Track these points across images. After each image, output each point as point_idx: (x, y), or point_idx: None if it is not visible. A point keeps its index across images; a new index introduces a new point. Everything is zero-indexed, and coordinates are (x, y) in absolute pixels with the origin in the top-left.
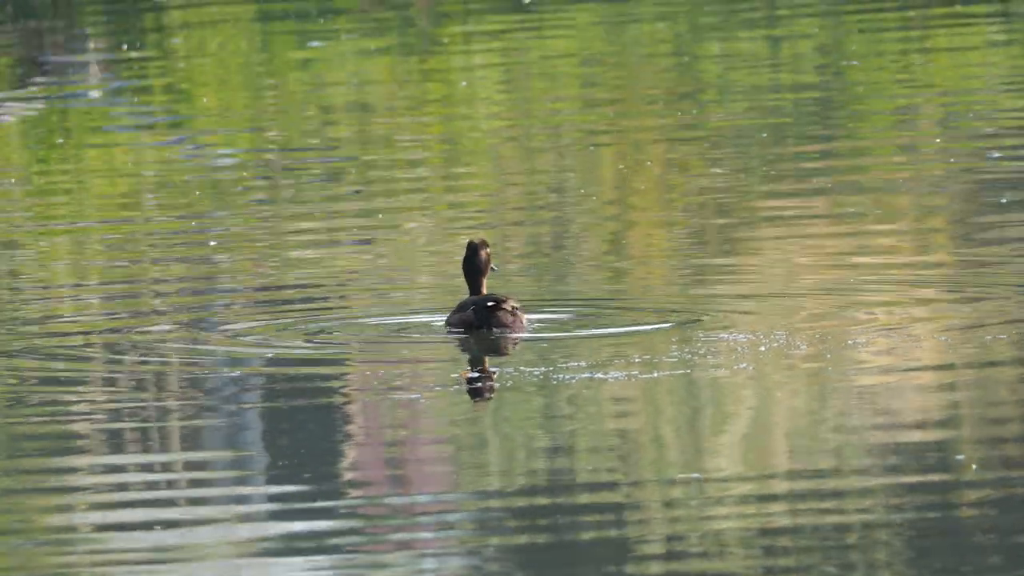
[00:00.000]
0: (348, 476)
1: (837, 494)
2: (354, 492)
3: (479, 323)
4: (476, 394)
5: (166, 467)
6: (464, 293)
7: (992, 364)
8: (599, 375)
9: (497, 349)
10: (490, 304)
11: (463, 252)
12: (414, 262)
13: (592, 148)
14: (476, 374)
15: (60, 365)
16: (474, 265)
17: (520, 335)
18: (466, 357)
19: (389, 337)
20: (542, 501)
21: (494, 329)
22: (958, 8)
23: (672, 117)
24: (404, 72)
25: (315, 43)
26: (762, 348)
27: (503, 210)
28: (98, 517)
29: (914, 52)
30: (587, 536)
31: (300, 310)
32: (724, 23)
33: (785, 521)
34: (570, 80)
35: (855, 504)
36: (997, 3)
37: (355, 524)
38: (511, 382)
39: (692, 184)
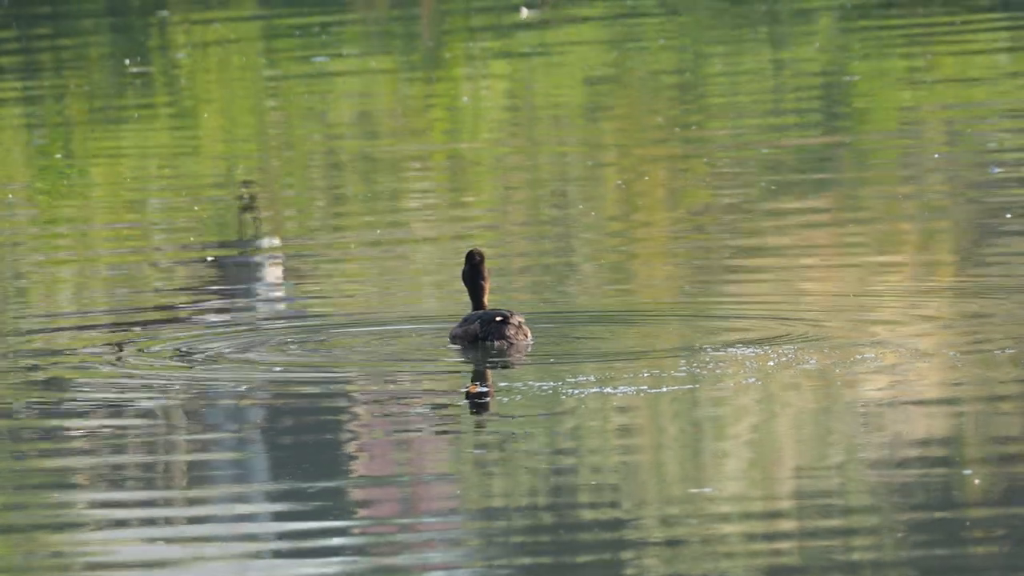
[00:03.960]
0: (352, 495)
1: (844, 514)
2: (358, 511)
3: (484, 336)
4: (483, 410)
5: (168, 488)
6: (467, 306)
7: (999, 380)
8: (607, 391)
9: (504, 363)
10: (498, 319)
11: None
12: (417, 277)
13: (591, 164)
14: (483, 389)
15: (61, 391)
16: (478, 274)
17: (522, 350)
18: (472, 372)
19: (393, 352)
20: (549, 523)
21: (496, 342)
22: (960, 20)
23: (673, 133)
24: (407, 88)
25: (320, 58)
26: (770, 363)
27: (505, 225)
28: (99, 549)
29: (917, 67)
30: (593, 559)
31: (304, 325)
32: (727, 38)
33: (791, 538)
34: (573, 96)
35: (862, 522)
36: (1000, 13)
37: (359, 545)
38: (519, 397)
39: (695, 200)
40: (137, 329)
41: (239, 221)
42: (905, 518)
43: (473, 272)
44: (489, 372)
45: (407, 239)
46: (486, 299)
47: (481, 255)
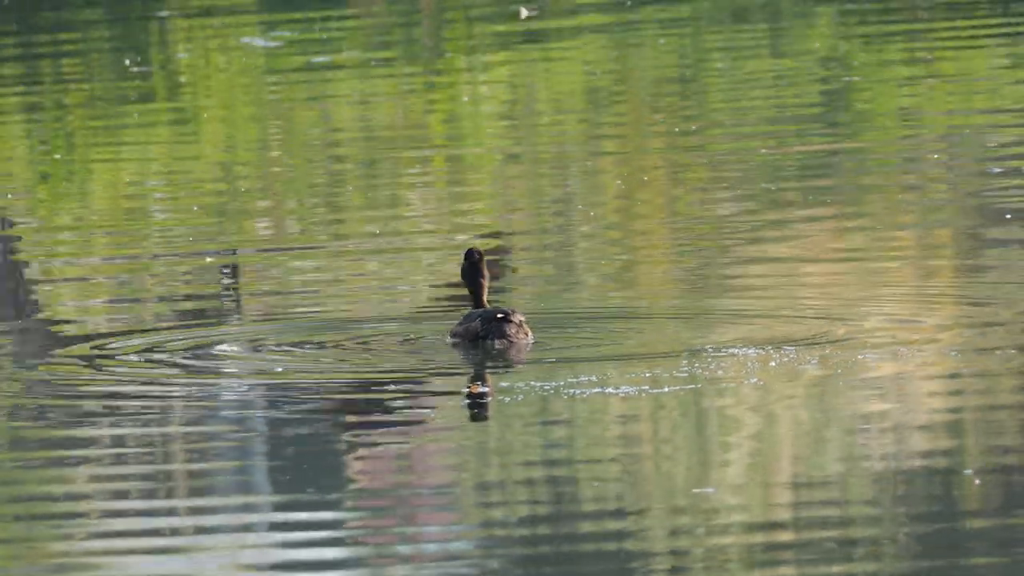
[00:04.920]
0: (351, 497)
1: (845, 514)
2: (358, 514)
3: (485, 335)
4: (483, 410)
5: (170, 491)
6: (468, 306)
7: (1001, 383)
8: (608, 391)
9: (505, 363)
10: (500, 316)
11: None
12: (418, 277)
13: (590, 164)
14: (485, 389)
15: (63, 390)
16: (478, 271)
17: (522, 349)
18: (473, 372)
19: (394, 352)
20: (549, 524)
21: (497, 340)
22: (962, 23)
23: (674, 134)
24: (407, 87)
25: (320, 58)
26: (772, 364)
27: (506, 225)
28: (98, 559)
29: (917, 68)
30: (595, 559)
31: (305, 327)
32: (728, 38)
33: (791, 542)
34: (573, 96)
35: (863, 524)
36: (1000, 18)
37: (358, 547)
38: (520, 396)
39: (695, 200)
40: (136, 332)
41: (220, 297)
42: (906, 522)
43: (472, 270)
44: (490, 372)
45: (407, 241)
46: (485, 297)
47: (480, 253)
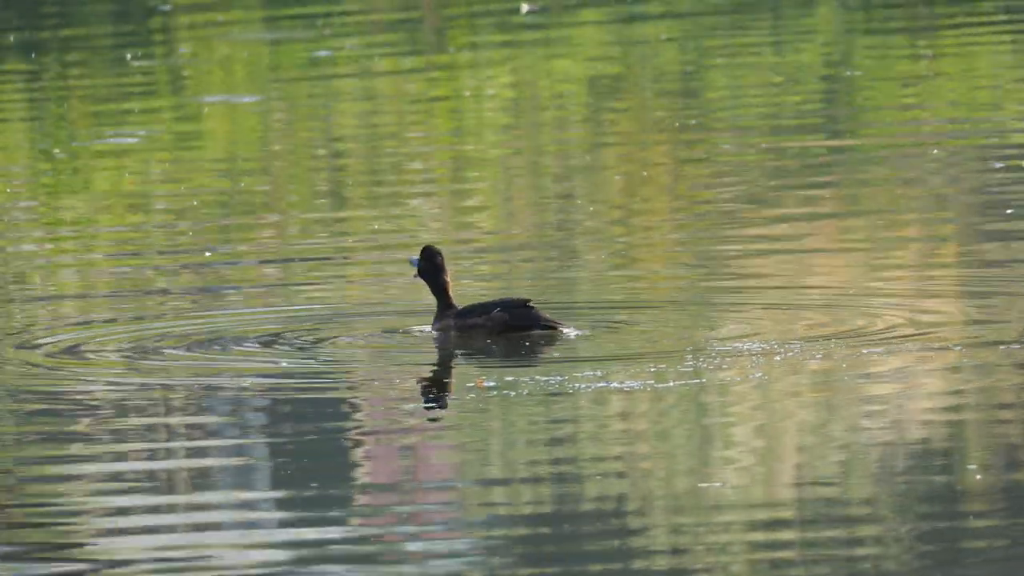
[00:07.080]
0: (354, 494)
1: (847, 513)
2: (360, 511)
3: (529, 324)
4: (490, 405)
5: (169, 478)
6: (471, 301)
7: (1005, 378)
8: (612, 386)
9: (509, 359)
10: (529, 305)
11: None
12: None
13: (591, 160)
14: (490, 384)
15: (63, 388)
16: (440, 269)
17: (565, 335)
18: (480, 367)
19: (398, 348)
20: (553, 520)
21: (548, 328)
22: (963, 18)
23: (675, 129)
24: (409, 82)
25: (322, 53)
26: (776, 359)
27: (507, 220)
28: (98, 553)
29: (919, 63)
30: (598, 557)
31: (308, 321)
32: (730, 34)
33: (794, 538)
34: (575, 91)
35: (866, 521)
36: (1003, 13)
37: (359, 545)
38: (525, 391)
39: (697, 197)
40: (136, 327)
41: None
42: (910, 517)
43: (434, 268)
44: (496, 367)
45: (408, 239)
46: (451, 292)
47: (439, 251)
